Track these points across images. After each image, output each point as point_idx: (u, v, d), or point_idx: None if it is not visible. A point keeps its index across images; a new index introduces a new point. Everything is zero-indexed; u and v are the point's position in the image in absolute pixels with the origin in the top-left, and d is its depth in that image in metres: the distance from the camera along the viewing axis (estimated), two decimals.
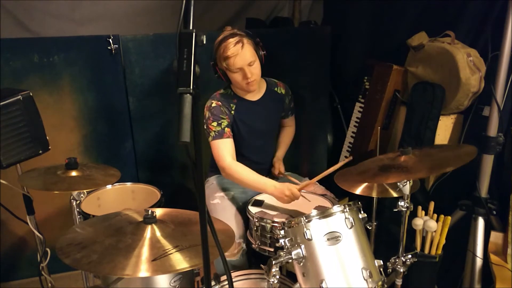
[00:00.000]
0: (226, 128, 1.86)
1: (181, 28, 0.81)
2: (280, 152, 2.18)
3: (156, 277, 1.37)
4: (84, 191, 1.68)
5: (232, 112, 1.90)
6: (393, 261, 1.66)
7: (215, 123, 1.85)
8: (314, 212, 1.39)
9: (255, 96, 1.97)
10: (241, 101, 1.94)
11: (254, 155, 2.01)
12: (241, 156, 1.98)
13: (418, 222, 1.73)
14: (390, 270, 1.66)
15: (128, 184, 2.01)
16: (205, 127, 1.89)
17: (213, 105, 1.88)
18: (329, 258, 1.35)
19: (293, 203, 1.79)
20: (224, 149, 1.85)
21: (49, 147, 1.74)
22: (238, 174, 1.82)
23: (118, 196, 1.99)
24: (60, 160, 1.73)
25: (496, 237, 1.79)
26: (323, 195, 1.90)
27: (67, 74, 2.25)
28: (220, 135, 1.85)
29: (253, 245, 1.72)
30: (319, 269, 1.34)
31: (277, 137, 2.24)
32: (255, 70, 1.81)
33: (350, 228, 1.38)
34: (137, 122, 2.44)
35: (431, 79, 1.99)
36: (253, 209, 1.75)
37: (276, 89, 2.06)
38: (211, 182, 2.04)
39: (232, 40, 1.74)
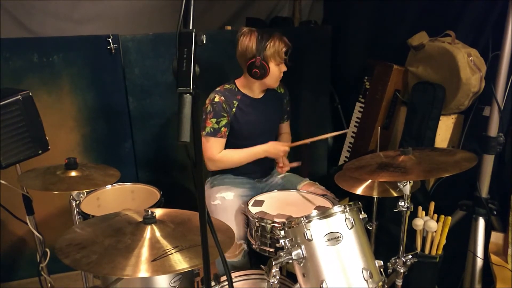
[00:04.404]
0: (223, 128, 1.89)
1: (181, 28, 0.81)
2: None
3: (155, 278, 1.36)
4: (84, 191, 1.67)
5: (234, 109, 1.91)
6: (393, 261, 1.66)
7: (214, 120, 1.88)
8: (314, 213, 1.39)
9: (259, 94, 1.99)
10: (245, 97, 1.95)
11: None
12: None
13: (419, 222, 1.73)
14: (391, 270, 1.66)
15: (128, 184, 2.01)
16: (203, 117, 1.91)
17: (216, 100, 1.88)
18: (329, 259, 1.35)
19: (294, 203, 1.79)
20: (215, 146, 1.91)
21: (49, 147, 1.74)
22: (231, 159, 1.95)
23: (117, 196, 1.98)
24: (60, 160, 1.73)
25: (496, 237, 1.79)
26: (323, 195, 1.90)
27: (67, 74, 2.25)
28: (214, 133, 1.89)
29: (253, 246, 1.72)
30: (320, 269, 1.34)
31: None
32: None
33: (351, 228, 1.38)
34: (137, 122, 2.44)
35: (432, 79, 1.99)
36: (253, 209, 1.75)
37: (276, 88, 2.07)
38: (212, 183, 2.04)
39: (281, 35, 1.89)
